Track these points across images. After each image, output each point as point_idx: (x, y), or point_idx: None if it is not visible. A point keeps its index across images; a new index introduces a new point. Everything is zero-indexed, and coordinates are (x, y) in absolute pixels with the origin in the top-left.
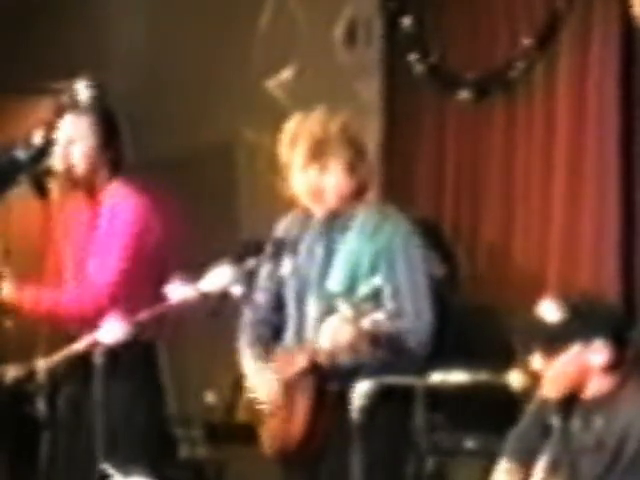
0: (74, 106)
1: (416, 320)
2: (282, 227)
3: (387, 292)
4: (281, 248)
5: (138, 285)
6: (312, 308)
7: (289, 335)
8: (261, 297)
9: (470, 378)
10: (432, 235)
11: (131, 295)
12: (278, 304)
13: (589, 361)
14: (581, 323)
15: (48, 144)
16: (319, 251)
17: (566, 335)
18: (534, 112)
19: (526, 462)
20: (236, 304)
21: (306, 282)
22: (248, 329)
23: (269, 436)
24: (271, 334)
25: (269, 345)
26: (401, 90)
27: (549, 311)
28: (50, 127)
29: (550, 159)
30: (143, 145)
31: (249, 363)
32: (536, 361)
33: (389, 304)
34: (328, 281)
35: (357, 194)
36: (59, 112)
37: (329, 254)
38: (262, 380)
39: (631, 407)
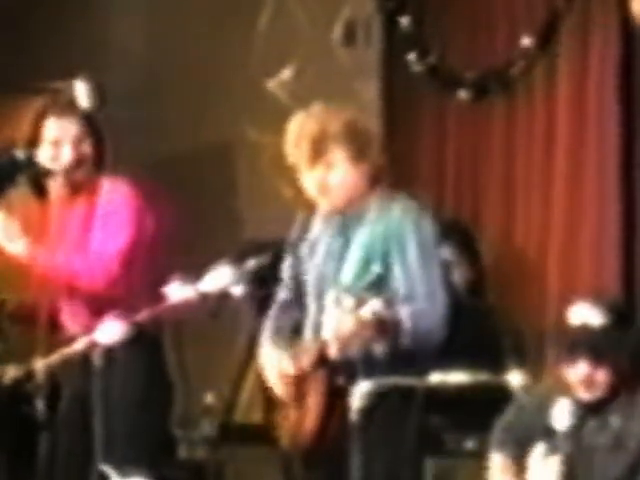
0: (62, 107)
1: (428, 302)
2: (297, 227)
3: (399, 275)
4: (297, 247)
5: (136, 282)
6: (330, 302)
7: (308, 328)
8: (282, 295)
9: (470, 378)
10: (462, 238)
11: (130, 294)
12: (298, 300)
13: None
14: (622, 325)
15: (38, 145)
16: (336, 246)
17: (612, 339)
18: (534, 112)
19: (516, 454)
20: (236, 305)
21: (324, 277)
22: (270, 321)
23: (284, 430)
24: (292, 327)
25: (290, 336)
26: (400, 90)
27: (589, 316)
28: (38, 128)
29: (550, 158)
30: (143, 145)
31: (266, 346)
32: (580, 369)
33: (401, 287)
34: (343, 274)
35: (370, 186)
36: (46, 113)
37: (345, 248)
38: (275, 362)
39: None
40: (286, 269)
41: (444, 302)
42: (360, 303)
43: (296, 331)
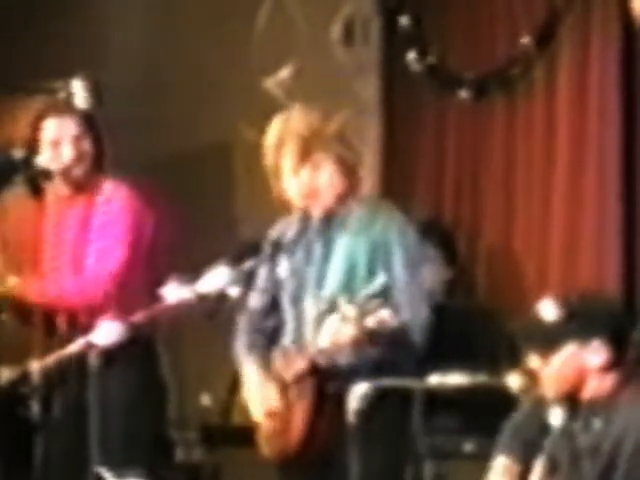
0: (60, 106)
1: (411, 314)
2: (279, 228)
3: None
4: (278, 250)
5: (134, 284)
6: (310, 308)
7: (287, 336)
8: (256, 300)
9: (469, 380)
10: (439, 237)
11: (126, 295)
12: (273, 306)
13: (586, 361)
14: (578, 323)
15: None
16: (317, 251)
17: (562, 335)
18: (534, 111)
19: (523, 458)
20: (233, 306)
21: (303, 283)
22: (243, 336)
23: (268, 438)
24: (266, 341)
25: (265, 352)
26: (400, 89)
27: (547, 310)
28: (36, 129)
29: (551, 158)
30: (141, 144)
31: (250, 369)
32: (533, 361)
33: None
34: (326, 281)
35: (352, 191)
36: (45, 114)
37: (327, 254)
38: (261, 392)
39: (628, 411)
40: (281, 272)
41: (426, 314)
42: (364, 313)
43: (272, 342)
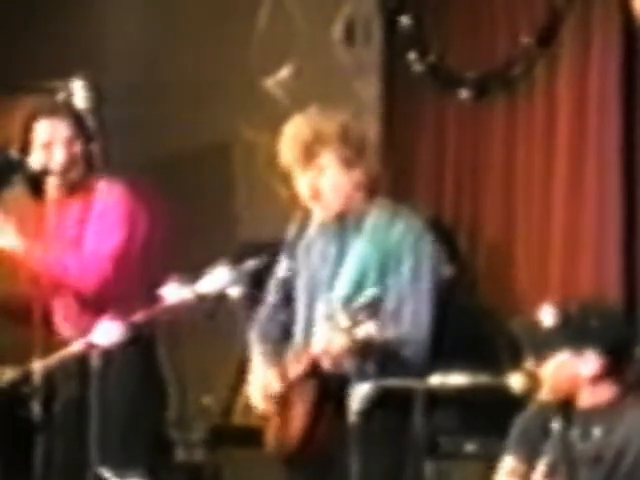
0: (52, 108)
1: (413, 328)
2: (294, 229)
3: (390, 296)
4: (292, 250)
5: (131, 282)
6: (321, 308)
7: (297, 334)
8: (272, 296)
9: (470, 380)
10: (440, 235)
11: (124, 295)
12: (286, 302)
13: (578, 370)
14: (572, 331)
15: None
16: (332, 252)
17: (556, 341)
18: (535, 111)
19: (528, 458)
20: (233, 306)
21: (318, 283)
22: (258, 325)
23: (270, 435)
24: (280, 332)
25: (277, 343)
26: (400, 89)
27: (544, 317)
28: (28, 131)
29: (551, 158)
30: (140, 144)
31: (257, 358)
32: (530, 363)
33: (390, 306)
34: (336, 283)
35: (367, 192)
36: (35, 115)
37: (341, 255)
38: (263, 376)
39: (630, 422)
40: (279, 271)
41: (427, 331)
42: (356, 324)
43: (285, 336)
